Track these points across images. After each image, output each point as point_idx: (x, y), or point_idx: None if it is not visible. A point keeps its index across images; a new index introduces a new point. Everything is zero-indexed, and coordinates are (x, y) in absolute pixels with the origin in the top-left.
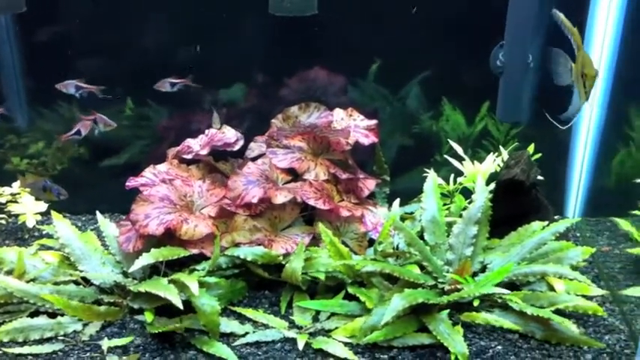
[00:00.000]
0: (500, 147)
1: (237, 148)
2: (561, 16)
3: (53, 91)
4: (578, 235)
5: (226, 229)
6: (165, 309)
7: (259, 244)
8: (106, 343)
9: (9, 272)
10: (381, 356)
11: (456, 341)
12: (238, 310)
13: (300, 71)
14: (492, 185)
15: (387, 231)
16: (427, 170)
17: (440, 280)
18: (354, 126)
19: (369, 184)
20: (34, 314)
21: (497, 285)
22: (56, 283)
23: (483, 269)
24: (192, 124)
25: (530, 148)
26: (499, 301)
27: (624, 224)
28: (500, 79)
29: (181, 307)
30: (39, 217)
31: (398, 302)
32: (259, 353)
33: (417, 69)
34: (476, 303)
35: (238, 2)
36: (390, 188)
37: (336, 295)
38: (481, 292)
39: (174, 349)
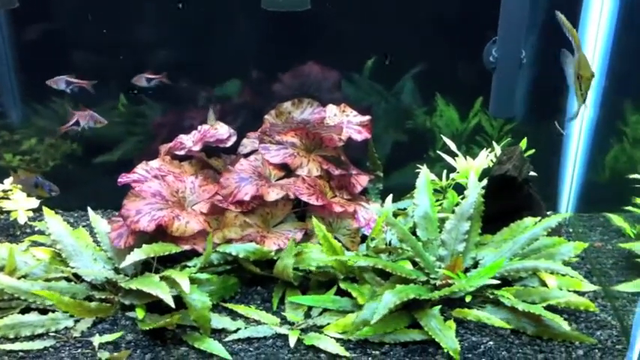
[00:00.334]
0: (494, 143)
1: (229, 144)
2: (562, 17)
3: (46, 88)
4: (571, 230)
5: (218, 225)
6: (156, 305)
7: (251, 241)
8: (97, 340)
9: (0, 269)
10: (373, 352)
11: (447, 337)
12: (230, 306)
13: (293, 67)
14: (485, 181)
15: (380, 227)
16: (420, 166)
17: (432, 275)
18: (346, 122)
19: (361, 180)
20: (25, 311)
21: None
22: (47, 280)
23: (475, 265)
24: (185, 120)
25: (523, 144)
26: (491, 297)
27: (617, 220)
28: (493, 75)
29: (172, 305)
30: (31, 214)
31: (390, 298)
32: (251, 349)
33: (411, 65)
34: (468, 299)
35: None
36: (384, 184)
37: (328, 291)
38: (472, 287)
39: (166, 345)
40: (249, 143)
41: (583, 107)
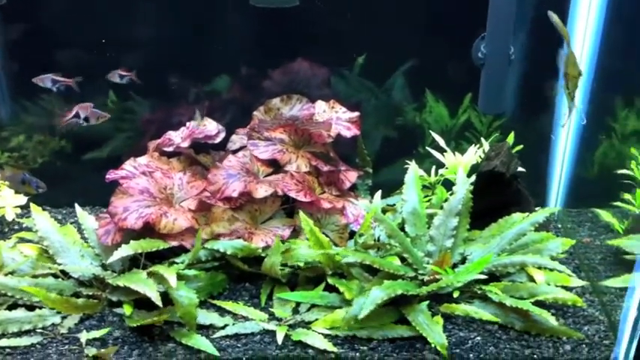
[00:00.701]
0: (482, 139)
1: (218, 140)
2: (555, 17)
3: (35, 84)
4: (559, 226)
5: (206, 222)
6: (144, 301)
7: (239, 237)
8: (84, 336)
9: None
10: (361, 347)
11: (434, 332)
12: (218, 302)
13: (282, 63)
14: (473, 177)
15: (368, 223)
16: (410, 162)
17: (420, 271)
18: (336, 118)
19: (350, 177)
20: (13, 307)
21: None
22: (35, 276)
23: (464, 261)
24: (174, 116)
25: (510, 139)
26: (479, 292)
27: (605, 215)
28: (482, 71)
29: (159, 303)
30: (18, 211)
31: (377, 294)
32: (238, 345)
33: (400, 61)
34: (455, 294)
35: None
36: (374, 180)
37: (316, 287)
38: (460, 282)
39: (153, 341)
40: (237, 139)
41: (573, 108)
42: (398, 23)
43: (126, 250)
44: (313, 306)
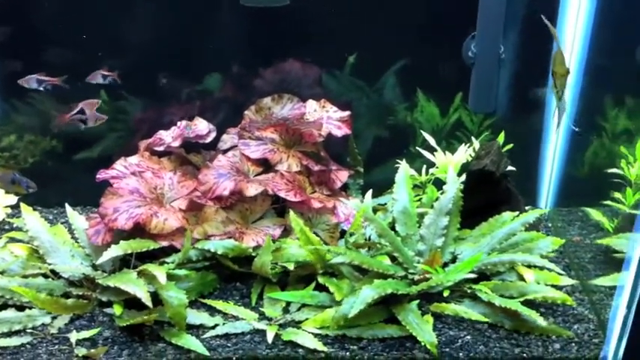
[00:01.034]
0: (473, 138)
1: (209, 140)
2: (546, 21)
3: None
4: (550, 225)
5: (197, 222)
6: (134, 301)
7: (230, 237)
8: (74, 336)
9: None
10: (351, 347)
11: (424, 331)
12: (209, 302)
13: (273, 63)
14: (464, 176)
15: (359, 222)
16: (401, 162)
17: (410, 270)
18: (326, 118)
19: (341, 176)
20: (2, 307)
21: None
22: (25, 276)
23: (454, 260)
24: (165, 116)
25: (500, 138)
26: (469, 291)
27: (595, 214)
28: (472, 70)
29: (149, 303)
30: (9, 210)
31: (368, 293)
32: (229, 345)
33: (391, 60)
34: (446, 293)
35: None
36: (365, 180)
37: (307, 286)
38: (450, 282)
39: (143, 341)
40: (228, 139)
41: (563, 107)
42: (389, 22)
43: (116, 251)
44: (304, 305)
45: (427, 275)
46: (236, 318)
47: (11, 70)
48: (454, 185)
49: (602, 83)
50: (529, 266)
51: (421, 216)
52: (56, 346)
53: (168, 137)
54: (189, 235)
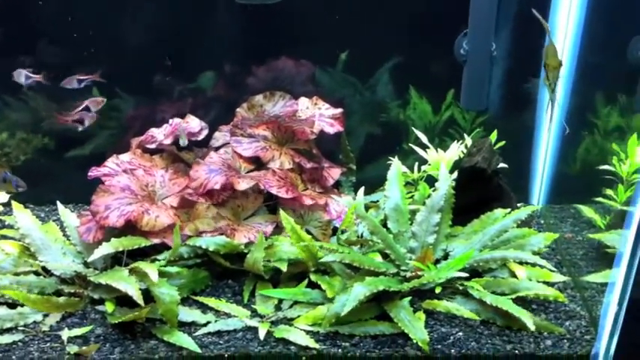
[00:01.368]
0: (465, 135)
1: (201, 137)
2: (537, 14)
3: (15, 81)
4: (542, 222)
5: (189, 219)
6: (126, 298)
7: (222, 234)
8: (66, 334)
9: None
10: (343, 344)
11: (416, 328)
12: (200, 299)
13: (266, 60)
14: (456, 173)
15: (351, 219)
16: (393, 159)
17: (402, 267)
18: (319, 115)
19: (333, 173)
20: None
21: (460, 272)
22: (16, 274)
23: (446, 257)
24: (157, 113)
25: (493, 136)
26: (460, 288)
27: (588, 211)
28: (464, 68)
29: (140, 301)
30: (0, 208)
31: (360, 290)
32: (221, 342)
33: (384, 57)
34: (437, 290)
35: None
36: (358, 177)
37: (299, 284)
38: (442, 279)
39: (135, 338)
40: (220, 136)
41: (555, 100)
42: (381, 20)
43: (107, 248)
44: (296, 303)
45: (419, 272)
46: (228, 315)
47: (1, 68)
48: (446, 182)
49: (593, 80)
50: (521, 263)
51: (413, 213)
52: (48, 344)
53: (161, 134)
54: (177, 231)
